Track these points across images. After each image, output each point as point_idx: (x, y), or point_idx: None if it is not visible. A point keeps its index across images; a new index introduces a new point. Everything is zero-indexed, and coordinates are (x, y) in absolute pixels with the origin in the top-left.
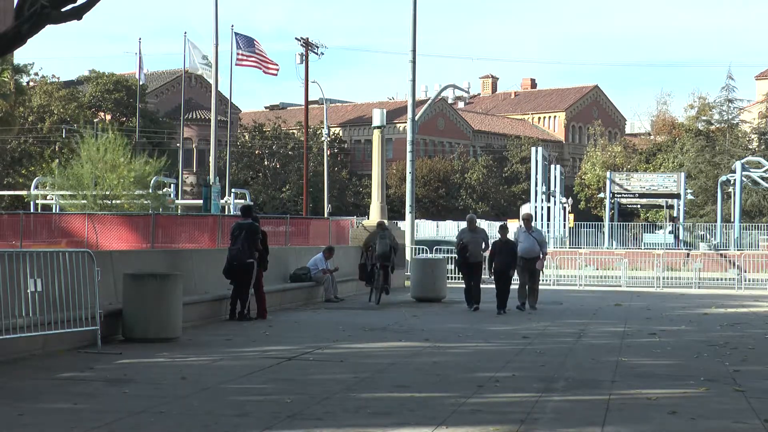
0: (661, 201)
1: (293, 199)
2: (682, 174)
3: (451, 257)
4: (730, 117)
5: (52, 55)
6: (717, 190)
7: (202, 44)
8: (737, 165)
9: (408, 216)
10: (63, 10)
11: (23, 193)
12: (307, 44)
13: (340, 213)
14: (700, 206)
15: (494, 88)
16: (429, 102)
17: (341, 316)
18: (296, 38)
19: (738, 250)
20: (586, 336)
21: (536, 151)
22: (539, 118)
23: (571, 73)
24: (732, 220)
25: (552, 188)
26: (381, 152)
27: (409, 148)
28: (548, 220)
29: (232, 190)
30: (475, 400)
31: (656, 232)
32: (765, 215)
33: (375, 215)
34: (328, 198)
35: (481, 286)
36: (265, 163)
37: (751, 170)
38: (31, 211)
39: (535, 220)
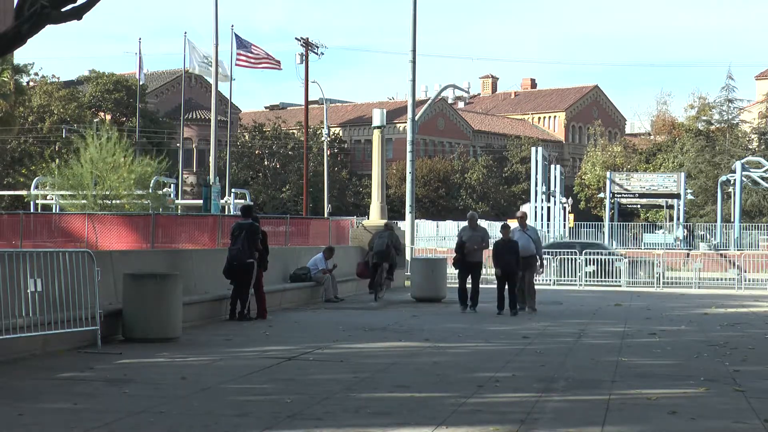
0: (661, 201)
1: (293, 199)
2: (682, 174)
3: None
4: (730, 117)
5: (52, 55)
6: (717, 190)
7: (202, 44)
8: (737, 165)
9: (408, 216)
10: (63, 10)
11: (23, 193)
12: (307, 44)
13: (340, 213)
14: (700, 206)
15: (494, 88)
16: (429, 102)
17: (341, 316)
18: (296, 38)
19: (738, 250)
20: (586, 336)
21: (536, 151)
22: (539, 118)
23: (571, 73)
24: (732, 220)
25: (552, 188)
26: (381, 152)
27: (409, 148)
28: (548, 220)
29: (232, 190)
30: (475, 400)
31: (656, 232)
32: (765, 215)
33: (375, 215)
34: (328, 198)
35: (481, 286)
36: (265, 163)
37: (751, 170)
38: (31, 211)
39: (536, 221)
